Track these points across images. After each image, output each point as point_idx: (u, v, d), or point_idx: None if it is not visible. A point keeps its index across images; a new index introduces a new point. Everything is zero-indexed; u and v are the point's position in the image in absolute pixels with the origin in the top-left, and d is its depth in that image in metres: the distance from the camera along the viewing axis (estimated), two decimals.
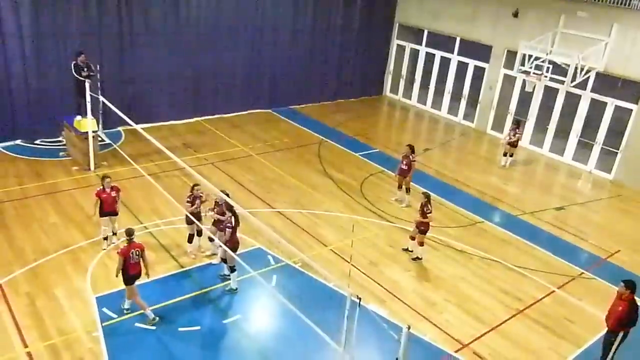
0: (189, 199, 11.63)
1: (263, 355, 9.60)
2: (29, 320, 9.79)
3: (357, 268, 12.25)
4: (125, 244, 9.82)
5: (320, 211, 14.66)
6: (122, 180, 14.95)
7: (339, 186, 16.33)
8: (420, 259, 12.80)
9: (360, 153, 19.02)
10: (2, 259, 11.41)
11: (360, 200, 15.56)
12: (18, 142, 17.23)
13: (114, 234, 12.16)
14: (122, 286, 10.12)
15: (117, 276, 9.84)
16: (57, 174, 15.34)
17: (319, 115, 22.77)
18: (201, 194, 11.73)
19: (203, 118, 20.91)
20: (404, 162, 15.07)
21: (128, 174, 15.44)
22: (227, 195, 10.90)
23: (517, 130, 18.57)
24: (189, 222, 11.68)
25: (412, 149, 15.06)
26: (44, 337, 9.46)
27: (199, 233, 12.08)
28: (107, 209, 11.78)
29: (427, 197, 12.42)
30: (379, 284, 11.81)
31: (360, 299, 7.37)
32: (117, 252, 9.89)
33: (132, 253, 9.81)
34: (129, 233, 9.83)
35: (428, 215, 12.32)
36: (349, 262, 12.38)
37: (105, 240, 12.01)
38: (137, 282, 10.02)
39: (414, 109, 25.19)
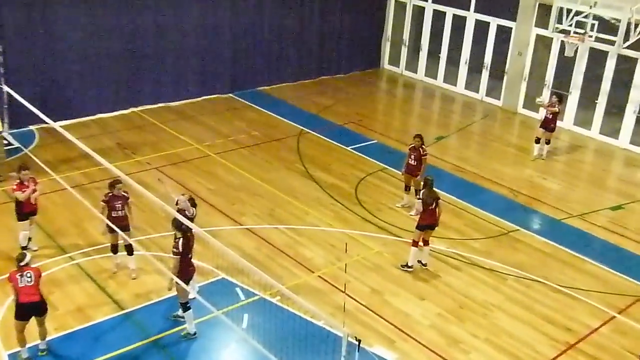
0: (105, 200, 12.00)
1: None
2: None
3: (354, 299, 12.22)
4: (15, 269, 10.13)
5: (303, 226, 14.62)
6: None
7: (327, 191, 16.32)
8: (410, 267, 13.03)
9: (353, 146, 19.05)
10: None
11: (355, 208, 15.56)
12: None
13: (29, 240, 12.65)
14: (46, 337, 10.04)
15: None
16: None
17: (296, 99, 22.78)
18: (125, 193, 12.09)
19: (142, 108, 20.84)
20: (412, 156, 15.11)
21: (45, 187, 15.21)
22: (193, 202, 10.98)
23: (557, 105, 18.55)
24: (111, 230, 11.91)
25: (421, 138, 15.10)
26: None
27: (129, 249, 12.21)
28: (28, 208, 12.31)
29: (427, 180, 12.95)
30: (384, 318, 11.79)
31: (360, 340, 7.36)
32: (7, 278, 10.24)
33: (22, 276, 10.03)
34: (20, 259, 10.14)
35: (418, 201, 12.65)
36: (343, 292, 12.34)
37: (26, 250, 12.00)
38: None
39: (421, 85, 25.30)
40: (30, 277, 10.04)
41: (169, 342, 10.91)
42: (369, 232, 14.55)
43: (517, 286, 13.01)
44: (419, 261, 13.24)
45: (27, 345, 10.31)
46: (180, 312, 11.06)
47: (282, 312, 11.66)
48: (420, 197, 12.87)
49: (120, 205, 12.03)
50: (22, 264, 10.09)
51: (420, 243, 13.09)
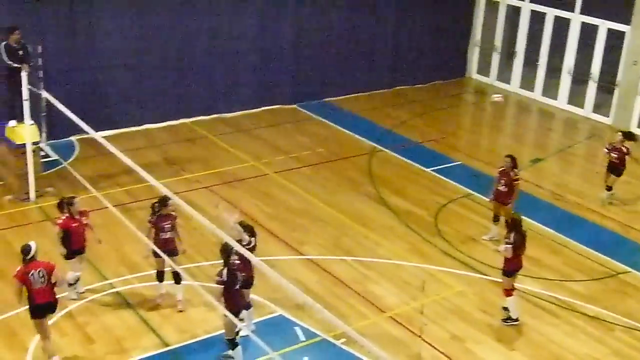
0: (152, 220, 12.29)
1: None
2: None
3: (431, 345, 12.17)
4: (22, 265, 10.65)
5: (373, 258, 14.68)
6: None
7: (402, 219, 16.36)
8: (515, 320, 12.76)
9: (433, 168, 19.05)
10: None
11: (434, 240, 15.54)
12: None
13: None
14: None
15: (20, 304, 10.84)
16: None
17: (368, 112, 22.93)
18: (173, 212, 12.30)
19: (193, 119, 21.33)
20: (502, 181, 15.00)
21: (84, 205, 15.69)
22: (251, 230, 11.23)
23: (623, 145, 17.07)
24: (157, 254, 12.16)
25: (513, 160, 14.98)
26: None
27: (177, 276, 12.46)
28: (77, 245, 12.45)
29: (515, 220, 12.54)
30: None
31: None
32: (13, 276, 10.69)
33: (33, 275, 10.50)
34: (26, 251, 10.65)
35: (508, 246, 12.36)
36: (419, 337, 12.32)
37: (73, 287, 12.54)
38: None
39: (514, 98, 25.11)
40: (44, 276, 10.62)
41: None
42: (450, 268, 14.48)
43: (626, 338, 12.71)
44: (505, 308, 13.04)
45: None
46: (229, 351, 11.25)
47: (347, 357, 11.73)
48: (511, 241, 12.53)
49: (169, 226, 12.34)
50: (28, 257, 10.63)
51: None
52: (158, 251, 11.98)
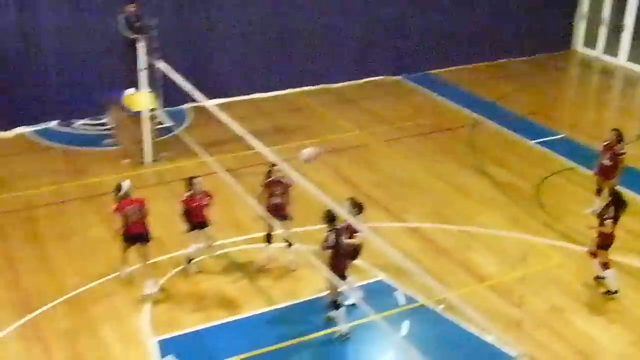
0: (265, 183, 12.64)
1: None
2: None
3: (530, 315, 12.13)
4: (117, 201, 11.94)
5: (474, 227, 14.67)
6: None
7: (503, 190, 16.24)
8: (614, 292, 12.56)
9: (537, 140, 18.78)
10: (36, 285, 12.59)
11: (535, 212, 15.38)
12: (52, 124, 18.80)
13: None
14: (192, 327, 10.76)
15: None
16: (101, 170, 16.58)
17: (471, 84, 22.71)
18: (284, 180, 12.53)
19: (300, 89, 21.61)
20: (606, 156, 14.69)
21: (196, 170, 16.15)
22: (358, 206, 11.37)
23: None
24: (268, 217, 12.54)
25: (618, 135, 14.64)
26: None
27: (287, 240, 12.78)
28: (197, 218, 12.81)
29: (616, 194, 12.29)
30: (564, 340, 11.64)
31: None
32: (113, 210, 12.02)
33: (128, 209, 11.88)
34: (118, 189, 12.01)
35: (606, 221, 12.10)
36: (518, 307, 12.29)
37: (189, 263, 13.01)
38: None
39: (622, 72, 24.33)
40: (139, 210, 12.00)
41: (321, 342, 11.39)
42: (552, 239, 14.32)
43: None
44: (598, 277, 12.84)
45: (130, 268, 12.61)
46: (332, 312, 11.50)
47: (446, 323, 11.82)
48: (611, 215, 12.25)
49: (279, 191, 12.60)
50: (121, 193, 11.94)
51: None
52: (268, 215, 12.31)
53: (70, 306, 12.12)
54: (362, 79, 22.55)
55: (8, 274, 12.94)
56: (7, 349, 11.14)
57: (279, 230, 12.75)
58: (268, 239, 13.00)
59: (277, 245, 13.07)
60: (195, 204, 12.60)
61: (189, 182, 12.72)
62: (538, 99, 21.67)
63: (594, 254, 12.65)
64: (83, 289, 12.49)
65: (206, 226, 12.93)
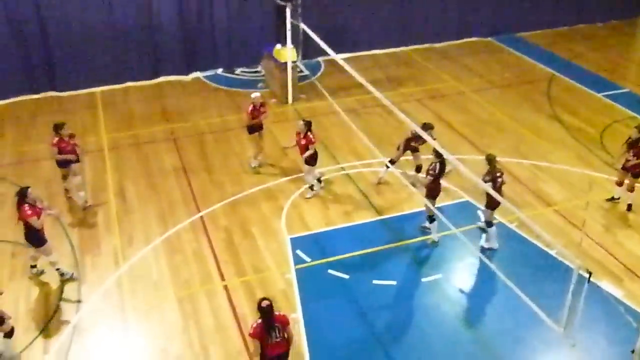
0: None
1: (464, 323, 9.71)
2: (226, 255, 11.13)
3: (589, 236, 11.53)
4: None
5: (545, 162, 13.98)
6: (319, 116, 15.83)
7: (572, 133, 15.31)
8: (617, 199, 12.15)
9: (604, 93, 17.50)
10: (203, 190, 13.05)
11: (598, 152, 14.45)
12: (218, 71, 19.14)
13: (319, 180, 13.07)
14: (316, 229, 11.08)
15: None
16: None
17: (551, 45, 21.33)
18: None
19: (410, 47, 20.95)
20: (632, 153, 13.47)
21: (326, 109, 16.27)
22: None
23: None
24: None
25: None
26: (240, 273, 10.71)
27: (390, 162, 12.58)
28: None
29: None
30: (616, 258, 11.02)
31: (590, 273, 7.00)
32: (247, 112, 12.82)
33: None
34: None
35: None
36: (579, 229, 11.68)
37: (312, 190, 12.91)
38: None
39: None
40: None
41: (415, 246, 11.34)
42: (611, 175, 13.45)
43: None
44: (613, 197, 12.30)
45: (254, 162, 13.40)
46: (427, 223, 11.37)
47: (517, 238, 11.46)
48: None
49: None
50: (254, 101, 12.83)
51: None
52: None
53: (229, 208, 12.49)
54: (460, 39, 21.59)
55: (183, 180, 13.47)
56: (182, 237, 11.67)
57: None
58: (391, 162, 12.71)
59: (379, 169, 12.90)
60: (64, 145, 12.15)
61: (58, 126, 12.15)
62: (609, 59, 20.09)
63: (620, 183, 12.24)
64: (239, 196, 12.82)
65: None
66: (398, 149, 12.73)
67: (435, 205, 11.00)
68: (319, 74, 18.80)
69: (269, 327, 7.64)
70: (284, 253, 11.18)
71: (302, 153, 12.38)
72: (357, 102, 16.74)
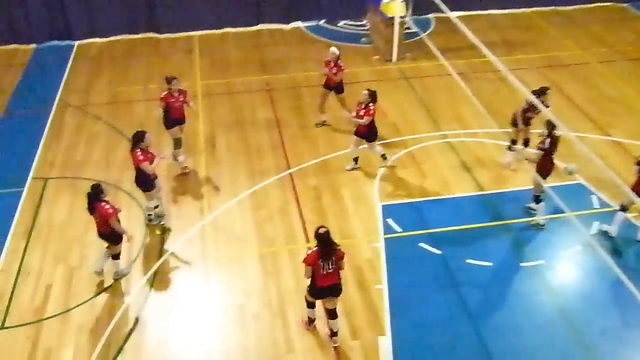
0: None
1: (564, 316, 9.35)
2: (313, 215, 11.23)
3: None
4: None
5: None
6: (424, 78, 15.51)
7: None
8: None
9: None
10: (295, 146, 13.19)
11: None
12: (321, 22, 19.07)
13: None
14: (411, 199, 11.00)
15: None
16: (356, 63, 16.62)
17: None
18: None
19: (532, 9, 20.03)
20: None
21: (432, 71, 15.91)
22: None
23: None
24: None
25: None
26: None
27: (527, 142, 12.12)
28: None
29: None
30: None
31: None
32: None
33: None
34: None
35: None
36: None
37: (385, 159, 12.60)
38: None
39: None
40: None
41: (517, 227, 10.98)
42: None
43: None
44: None
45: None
46: (533, 204, 10.97)
47: (634, 230, 10.82)
48: None
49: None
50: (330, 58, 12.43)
51: None
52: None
53: (320, 167, 12.55)
54: (590, 3, 20.37)
55: (275, 134, 13.65)
56: (269, 193, 11.89)
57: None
58: (513, 143, 12.31)
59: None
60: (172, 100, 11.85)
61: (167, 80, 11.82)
62: None
63: None
64: (331, 155, 12.83)
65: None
66: (514, 124, 12.15)
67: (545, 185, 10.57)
68: (428, 31, 18.35)
69: (324, 256, 8.12)
70: (374, 220, 11.13)
71: (361, 127, 11.86)
72: (466, 66, 16.23)
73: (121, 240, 9.64)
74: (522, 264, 10.23)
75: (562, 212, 10.07)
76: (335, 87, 13.38)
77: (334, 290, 8.46)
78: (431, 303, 9.51)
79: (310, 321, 9.06)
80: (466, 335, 9.01)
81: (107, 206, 9.30)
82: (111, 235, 9.54)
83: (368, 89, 11.78)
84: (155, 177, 10.64)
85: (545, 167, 10.53)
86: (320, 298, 8.69)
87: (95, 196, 9.35)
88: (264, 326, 9.17)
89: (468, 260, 10.26)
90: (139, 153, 10.21)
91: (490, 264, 10.21)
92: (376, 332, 9.04)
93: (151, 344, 8.96)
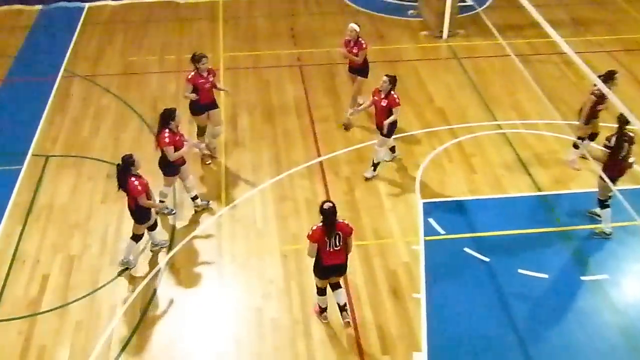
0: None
1: (627, 339, 9.20)
2: (344, 211, 11.14)
3: None
4: None
5: None
6: (478, 58, 15.34)
7: None
8: None
9: None
10: (327, 131, 13.19)
11: None
12: None
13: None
14: (456, 196, 10.93)
15: None
16: (401, 38, 16.58)
17: None
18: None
19: None
20: None
21: (488, 51, 15.75)
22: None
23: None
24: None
25: None
26: (357, 235, 10.59)
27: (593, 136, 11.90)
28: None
29: None
30: None
31: None
32: None
33: None
34: None
35: None
36: None
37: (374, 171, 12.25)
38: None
39: None
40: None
41: (579, 235, 10.83)
42: None
43: None
44: None
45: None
46: (598, 209, 10.80)
47: None
48: None
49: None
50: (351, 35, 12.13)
51: None
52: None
53: (354, 156, 12.53)
54: None
55: (305, 115, 13.67)
56: (295, 183, 11.91)
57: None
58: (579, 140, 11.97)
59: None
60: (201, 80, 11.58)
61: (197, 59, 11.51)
62: None
63: None
64: (367, 143, 12.76)
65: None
66: (584, 120, 11.84)
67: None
68: (485, 6, 18.18)
69: (330, 232, 8.39)
70: (414, 220, 11.08)
71: (380, 118, 11.51)
72: (527, 47, 16.04)
73: (148, 220, 9.84)
74: (582, 278, 10.10)
75: (632, 220, 9.89)
76: (358, 69, 13.10)
77: (340, 269, 8.86)
78: (474, 317, 9.43)
79: (322, 310, 9.30)
80: (513, 357, 8.92)
81: (137, 182, 9.37)
82: (136, 213, 9.68)
83: (387, 75, 11.40)
84: (184, 162, 10.66)
85: (613, 167, 10.31)
86: (325, 278, 8.94)
87: (125, 169, 9.40)
88: (282, 334, 9.18)
89: (520, 271, 10.17)
90: (166, 134, 10.16)
91: (545, 275, 10.10)
92: (411, 347, 8.99)
93: (156, 345, 9.03)
